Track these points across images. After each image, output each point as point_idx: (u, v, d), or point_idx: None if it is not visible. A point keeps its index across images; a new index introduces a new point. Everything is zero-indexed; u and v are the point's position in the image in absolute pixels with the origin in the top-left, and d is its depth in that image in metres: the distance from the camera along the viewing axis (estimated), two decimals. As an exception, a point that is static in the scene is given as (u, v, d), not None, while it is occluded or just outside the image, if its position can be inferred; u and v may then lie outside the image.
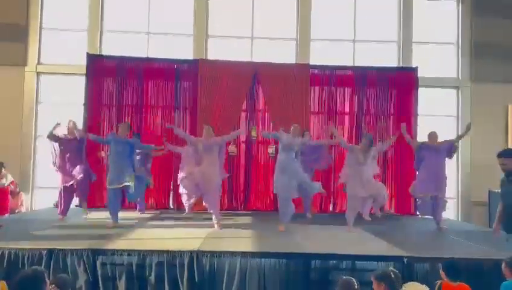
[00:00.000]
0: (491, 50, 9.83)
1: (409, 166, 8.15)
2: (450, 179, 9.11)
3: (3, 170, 8.31)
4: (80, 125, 8.84)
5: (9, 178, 8.45)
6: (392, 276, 3.62)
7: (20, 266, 4.62)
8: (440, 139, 7.06)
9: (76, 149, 7.10)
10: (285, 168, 6.57)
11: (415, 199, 8.24)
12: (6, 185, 8.34)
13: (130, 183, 6.40)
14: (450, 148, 6.99)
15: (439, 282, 3.85)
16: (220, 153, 6.85)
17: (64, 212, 7.08)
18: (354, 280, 3.52)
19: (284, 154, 6.62)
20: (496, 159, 9.61)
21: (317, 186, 7.12)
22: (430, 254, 5.00)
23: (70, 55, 9.67)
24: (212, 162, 6.59)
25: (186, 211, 7.44)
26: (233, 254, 4.79)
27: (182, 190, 7.24)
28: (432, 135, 7.06)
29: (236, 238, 5.90)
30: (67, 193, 7.10)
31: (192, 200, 7.18)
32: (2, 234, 5.65)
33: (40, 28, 9.78)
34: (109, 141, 6.76)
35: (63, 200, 7.07)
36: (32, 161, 9.46)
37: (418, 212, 8.24)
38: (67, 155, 7.03)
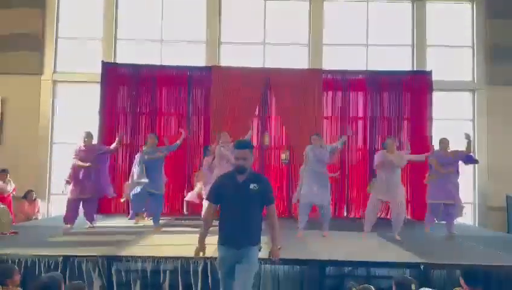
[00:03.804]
0: (506, 52, 9.68)
1: (425, 172, 7.96)
2: (466, 184, 9.01)
3: (8, 176, 8.44)
4: (95, 132, 9.04)
5: (12, 185, 8.56)
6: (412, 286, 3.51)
7: (36, 272, 4.67)
8: (456, 144, 6.96)
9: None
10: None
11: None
12: (10, 191, 8.47)
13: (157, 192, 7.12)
14: (464, 159, 6.84)
15: (457, 289, 3.77)
16: None
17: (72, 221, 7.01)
18: (372, 288, 3.46)
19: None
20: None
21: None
22: (447, 260, 4.91)
23: (86, 64, 9.83)
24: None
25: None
26: (247, 260, 4.76)
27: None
28: (443, 142, 6.96)
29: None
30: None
31: None
32: (19, 241, 5.73)
33: (56, 37, 9.96)
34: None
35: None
36: (48, 168, 9.60)
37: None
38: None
